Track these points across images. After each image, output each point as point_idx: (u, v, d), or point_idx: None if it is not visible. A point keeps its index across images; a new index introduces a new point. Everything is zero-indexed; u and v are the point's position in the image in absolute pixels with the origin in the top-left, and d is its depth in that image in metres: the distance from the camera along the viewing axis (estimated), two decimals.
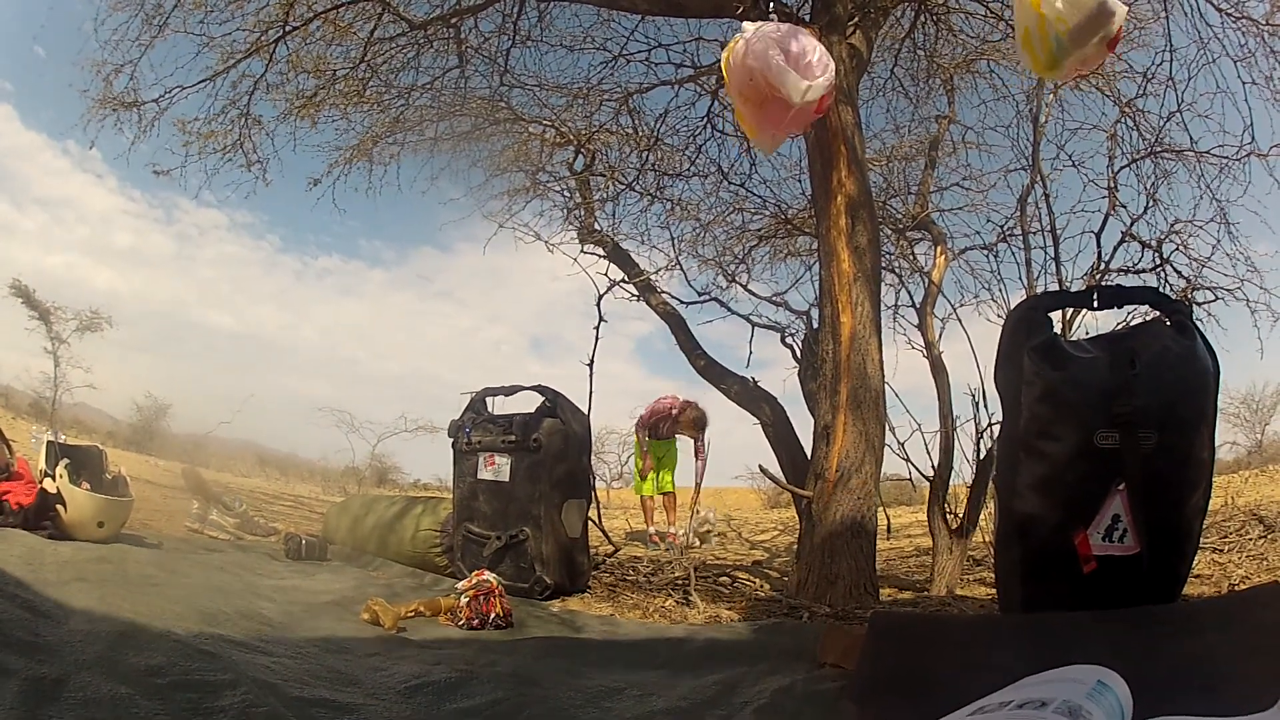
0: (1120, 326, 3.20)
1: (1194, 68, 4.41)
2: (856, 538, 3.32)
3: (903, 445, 4.34)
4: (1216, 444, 2.13)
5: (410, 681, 1.96)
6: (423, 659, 2.25)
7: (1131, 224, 4.55)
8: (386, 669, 2.09)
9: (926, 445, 4.31)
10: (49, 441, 3.87)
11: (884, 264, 4.52)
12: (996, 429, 3.77)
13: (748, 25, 2.99)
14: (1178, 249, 4.58)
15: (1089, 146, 4.98)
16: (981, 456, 4.02)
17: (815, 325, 4.19)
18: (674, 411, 6.61)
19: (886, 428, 3.65)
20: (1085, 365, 2.05)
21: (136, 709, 1.49)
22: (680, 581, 3.69)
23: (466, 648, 2.48)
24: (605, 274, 5.32)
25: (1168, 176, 4.76)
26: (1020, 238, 4.57)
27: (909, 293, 5.35)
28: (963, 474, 4.21)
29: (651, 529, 6.76)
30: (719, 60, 3.68)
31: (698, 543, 6.36)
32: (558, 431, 3.66)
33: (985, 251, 5.36)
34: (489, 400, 4.00)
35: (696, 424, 6.61)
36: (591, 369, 4.61)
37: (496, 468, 3.69)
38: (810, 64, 2.84)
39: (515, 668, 2.20)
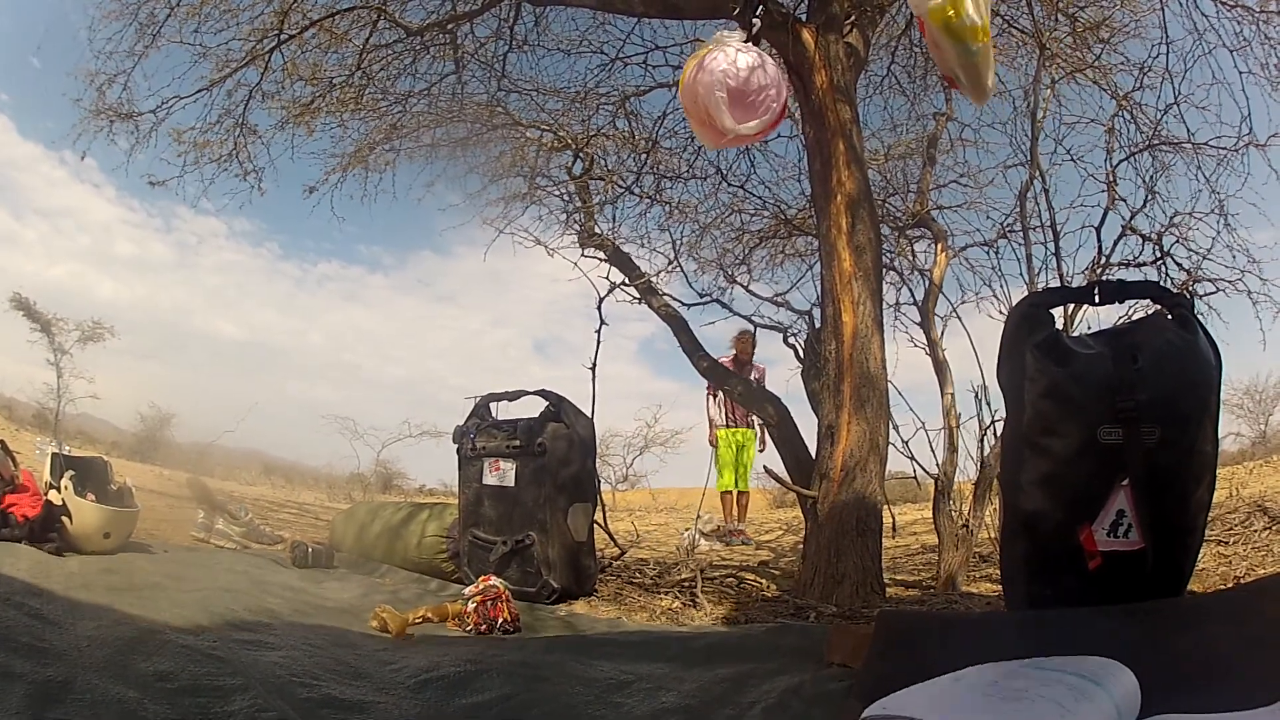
0: (1122, 321, 3.20)
1: (1190, 59, 4.42)
2: (862, 536, 3.33)
3: (907, 443, 4.33)
4: (1220, 436, 2.13)
5: (419, 676, 1.96)
6: (431, 654, 2.26)
7: (1131, 217, 4.54)
8: (395, 663, 2.10)
9: (931, 443, 4.32)
10: (53, 453, 3.85)
11: (885, 262, 4.52)
12: (1000, 426, 3.79)
13: (721, 34, 3.00)
14: (1178, 242, 4.58)
15: (1087, 141, 4.98)
16: (986, 453, 4.02)
17: (817, 325, 4.18)
18: (735, 353, 6.78)
19: (890, 426, 3.65)
20: (1088, 361, 2.04)
21: (145, 713, 1.49)
22: (687, 584, 3.70)
23: (475, 643, 2.49)
24: (606, 277, 5.30)
25: (1166, 169, 4.75)
26: (1020, 234, 4.57)
27: (910, 290, 5.36)
28: (967, 471, 4.22)
29: (729, 525, 6.87)
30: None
31: (704, 543, 6.33)
32: (562, 435, 3.66)
33: (985, 248, 5.38)
34: (493, 405, 4.01)
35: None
36: (594, 372, 4.60)
37: (501, 473, 3.70)
38: (753, 103, 2.87)
39: (525, 661, 2.20)
